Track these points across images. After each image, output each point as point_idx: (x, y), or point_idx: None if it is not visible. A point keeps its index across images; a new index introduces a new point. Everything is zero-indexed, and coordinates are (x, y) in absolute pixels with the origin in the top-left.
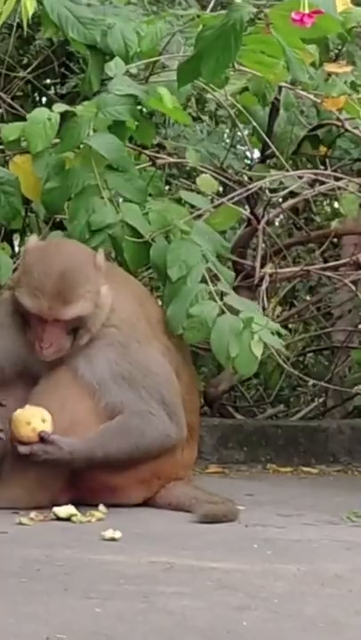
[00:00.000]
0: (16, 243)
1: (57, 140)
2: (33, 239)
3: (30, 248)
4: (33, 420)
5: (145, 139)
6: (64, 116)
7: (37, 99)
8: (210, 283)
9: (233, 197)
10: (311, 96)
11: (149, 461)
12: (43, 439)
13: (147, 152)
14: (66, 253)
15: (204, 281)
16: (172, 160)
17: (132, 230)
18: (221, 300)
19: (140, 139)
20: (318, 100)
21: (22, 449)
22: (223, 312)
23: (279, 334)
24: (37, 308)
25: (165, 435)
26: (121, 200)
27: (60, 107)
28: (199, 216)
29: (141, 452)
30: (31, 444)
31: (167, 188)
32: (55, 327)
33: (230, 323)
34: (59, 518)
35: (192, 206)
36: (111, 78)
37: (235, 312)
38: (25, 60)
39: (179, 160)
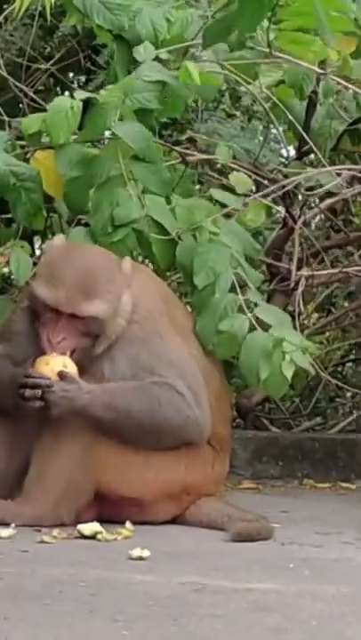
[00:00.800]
0: (36, 245)
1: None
2: (60, 238)
3: (56, 245)
4: (52, 361)
5: (174, 111)
6: (87, 106)
7: (60, 93)
8: (239, 292)
9: (266, 195)
10: (352, 86)
11: (174, 473)
12: (62, 376)
13: (177, 148)
14: (92, 254)
15: (233, 288)
16: (202, 157)
17: (158, 226)
18: (252, 311)
19: (169, 112)
20: (360, 91)
21: (40, 381)
22: (254, 327)
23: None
24: (54, 299)
25: (185, 415)
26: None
27: (81, 94)
28: (229, 215)
29: (157, 423)
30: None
31: (198, 186)
32: (70, 324)
33: (260, 342)
34: (83, 536)
35: (224, 205)
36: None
37: (266, 326)
38: (48, 52)
39: (210, 157)
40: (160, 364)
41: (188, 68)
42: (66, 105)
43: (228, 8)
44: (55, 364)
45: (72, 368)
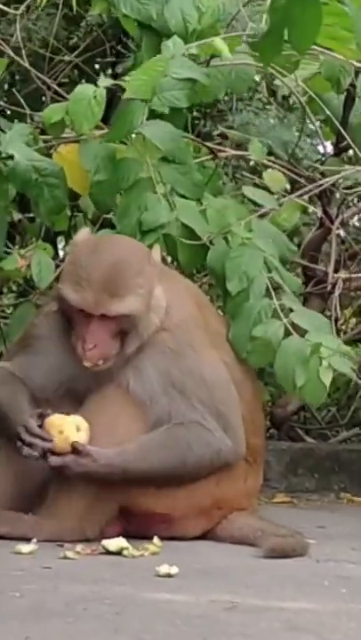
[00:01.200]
0: (60, 246)
1: (106, 130)
2: (84, 232)
3: (80, 240)
4: (66, 428)
5: (209, 96)
6: (112, 98)
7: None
8: (274, 296)
9: (302, 194)
10: None
11: (205, 487)
12: (76, 450)
13: (208, 144)
14: (119, 246)
15: (267, 293)
16: (235, 153)
17: (188, 230)
18: (287, 316)
19: (204, 97)
20: None
21: (53, 460)
22: (289, 332)
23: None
24: (82, 302)
25: (217, 449)
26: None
27: (105, 81)
28: (263, 215)
29: (189, 468)
30: (63, 454)
31: (230, 184)
32: (101, 327)
33: (296, 347)
34: (108, 552)
35: (257, 204)
36: None
37: (302, 331)
38: (72, 43)
39: (242, 153)
40: (192, 382)
41: (216, 45)
42: (89, 93)
43: (273, 16)
44: (70, 432)
45: (84, 428)
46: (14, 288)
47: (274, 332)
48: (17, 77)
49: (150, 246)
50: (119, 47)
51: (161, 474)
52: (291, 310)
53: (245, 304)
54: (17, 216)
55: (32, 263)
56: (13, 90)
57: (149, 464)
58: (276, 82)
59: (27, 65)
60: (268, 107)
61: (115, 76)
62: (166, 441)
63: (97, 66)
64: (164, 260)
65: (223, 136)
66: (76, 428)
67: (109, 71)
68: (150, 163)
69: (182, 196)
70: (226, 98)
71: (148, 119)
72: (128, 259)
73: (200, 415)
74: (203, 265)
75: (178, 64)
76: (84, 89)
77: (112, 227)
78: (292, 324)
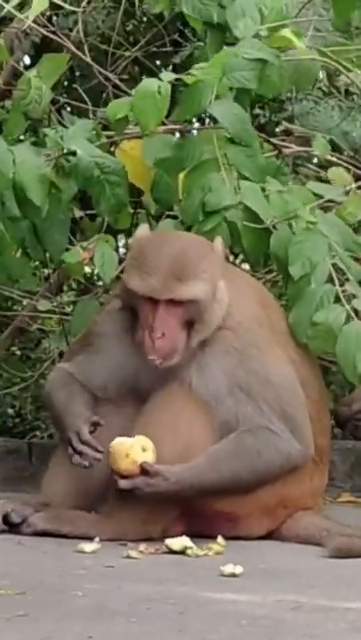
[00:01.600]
0: (120, 243)
1: (169, 127)
2: (143, 228)
3: (141, 235)
4: (132, 451)
5: (269, 90)
6: (174, 93)
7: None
8: (337, 282)
9: None
10: None
11: (271, 486)
12: (145, 471)
13: (273, 140)
14: (181, 236)
15: (330, 280)
16: (299, 149)
17: (252, 214)
18: (349, 303)
19: (264, 91)
20: None
21: (123, 483)
22: (351, 319)
23: None
24: (148, 288)
25: (287, 454)
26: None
27: (168, 75)
28: (327, 209)
29: (260, 475)
30: (133, 476)
31: (293, 176)
32: (168, 315)
33: (357, 333)
34: (172, 551)
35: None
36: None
37: None
38: (132, 38)
39: (306, 149)
40: (258, 383)
41: (286, 35)
42: (153, 87)
43: None
44: (136, 455)
45: (150, 447)
46: (74, 286)
47: (335, 317)
48: (77, 73)
49: (211, 232)
50: (177, 37)
51: (231, 484)
52: (353, 296)
53: (307, 289)
54: (78, 213)
55: (95, 256)
56: (73, 86)
57: (219, 476)
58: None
59: (89, 60)
60: (328, 95)
61: (174, 68)
62: (236, 450)
63: (158, 61)
64: (226, 256)
65: (287, 133)
66: (141, 448)
67: (170, 66)
68: (216, 144)
69: (246, 179)
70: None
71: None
72: (192, 246)
73: (267, 418)
74: (264, 255)
75: (248, 44)
76: (148, 84)
77: (175, 219)
78: (355, 311)
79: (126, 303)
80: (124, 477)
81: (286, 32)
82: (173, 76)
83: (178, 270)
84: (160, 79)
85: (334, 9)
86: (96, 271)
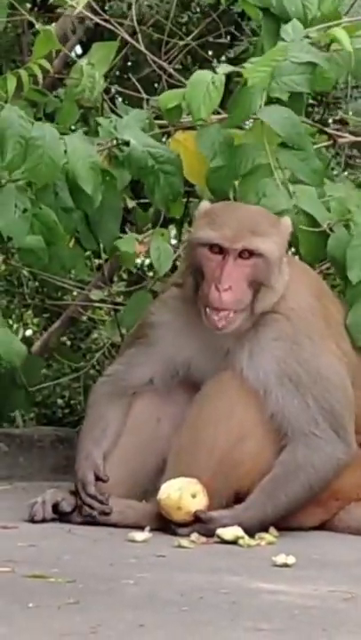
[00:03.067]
0: (172, 234)
1: (224, 115)
2: (205, 203)
3: (205, 207)
4: (182, 502)
5: (325, 85)
6: (229, 82)
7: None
8: None
9: None
10: None
11: None
12: (200, 520)
13: (328, 129)
14: (250, 206)
15: None
16: (354, 139)
17: (308, 218)
18: None
19: (321, 86)
20: None
21: (182, 532)
22: None
23: None
24: (220, 236)
25: (336, 459)
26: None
27: (224, 67)
28: None
29: (316, 488)
30: (189, 524)
31: (347, 172)
32: (237, 269)
33: None
34: (224, 541)
35: None
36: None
37: None
38: (185, 27)
39: None
40: (307, 375)
41: (337, 35)
42: (207, 78)
43: None
44: (187, 505)
45: (199, 490)
46: (125, 276)
47: None
48: (128, 63)
49: None
50: (233, 29)
51: (291, 507)
52: None
53: None
54: (130, 203)
55: (151, 249)
56: (125, 75)
57: (276, 505)
58: None
59: (142, 48)
60: None
61: (229, 61)
62: (289, 473)
63: (210, 52)
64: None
65: (341, 122)
66: (191, 495)
67: (223, 57)
68: (269, 149)
69: (301, 183)
70: (341, 85)
71: (266, 104)
72: (264, 212)
73: (312, 417)
74: (323, 255)
75: (297, 48)
76: (202, 75)
77: None
78: None
79: (192, 263)
80: (180, 525)
81: (337, 31)
82: (229, 68)
83: (252, 224)
84: (215, 72)
85: None
86: (149, 262)
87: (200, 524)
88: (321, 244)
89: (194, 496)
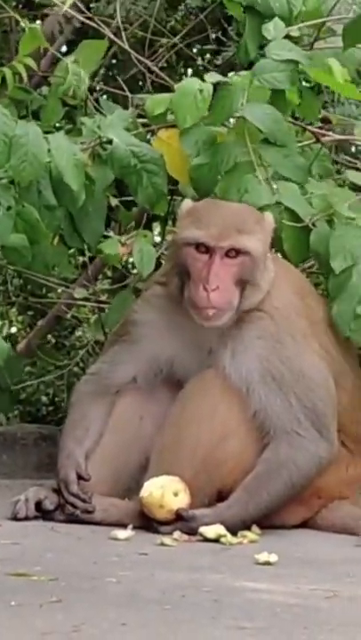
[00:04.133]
0: (155, 232)
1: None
2: (188, 201)
3: (190, 203)
4: (164, 500)
5: (309, 114)
6: (216, 88)
7: (184, 71)
8: None
9: None
10: None
11: None
12: (181, 518)
13: (311, 128)
14: (233, 204)
15: None
16: (339, 137)
17: (291, 214)
18: None
19: (304, 114)
20: None
21: (164, 529)
22: None
23: None
24: (206, 235)
25: (319, 457)
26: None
27: (213, 76)
28: None
29: (298, 486)
30: (171, 522)
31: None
32: (224, 268)
33: None
34: (206, 539)
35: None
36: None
37: None
38: (171, 26)
39: (347, 137)
40: (290, 374)
41: (328, 63)
42: (194, 87)
43: None
44: (169, 503)
45: (182, 488)
46: (109, 274)
47: None
48: (114, 61)
49: None
50: (219, 34)
51: (274, 504)
52: None
53: (349, 283)
54: (114, 202)
55: (134, 251)
56: (111, 74)
57: (259, 504)
58: None
59: (127, 47)
60: None
61: (214, 58)
62: (271, 471)
63: (195, 50)
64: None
65: (326, 122)
66: (173, 494)
67: (208, 56)
68: (251, 146)
69: (285, 179)
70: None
71: (248, 101)
72: (248, 209)
73: (295, 416)
74: (306, 252)
75: (279, 46)
76: (189, 84)
77: None
78: None
79: (178, 263)
80: (162, 523)
81: (331, 61)
82: (218, 77)
83: (238, 221)
84: (203, 80)
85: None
86: (134, 267)
87: (182, 522)
88: (304, 240)
89: (176, 494)
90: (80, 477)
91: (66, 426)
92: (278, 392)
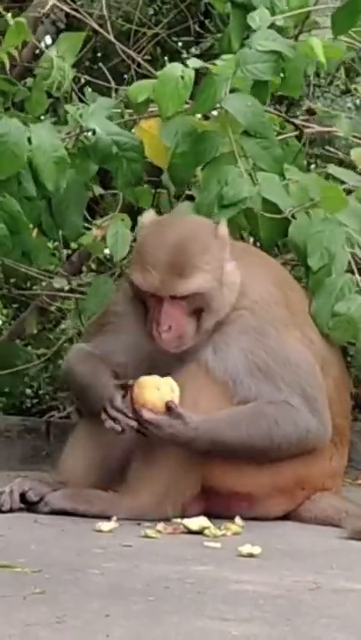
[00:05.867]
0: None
1: (187, 106)
2: (149, 214)
3: (145, 223)
4: (163, 387)
5: (292, 91)
6: (198, 76)
7: (168, 62)
8: (356, 272)
9: None
10: None
11: (289, 467)
12: (170, 409)
13: (295, 120)
14: (182, 226)
15: (350, 269)
16: (321, 129)
17: (270, 205)
18: None
19: (287, 91)
20: None
21: (147, 415)
22: None
23: None
24: (149, 285)
25: (305, 430)
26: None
27: (194, 62)
28: (348, 193)
29: (275, 445)
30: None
31: (313, 165)
32: (173, 308)
33: None
34: (190, 531)
35: (342, 182)
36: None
37: None
38: (154, 18)
39: (329, 129)
40: (276, 364)
41: (311, 43)
42: (176, 73)
43: None
44: (165, 391)
45: (177, 392)
46: (93, 267)
47: (356, 308)
48: (98, 54)
49: (229, 221)
50: (196, 27)
51: (247, 448)
52: None
53: (327, 280)
54: (98, 191)
55: (108, 234)
56: (95, 66)
57: (236, 435)
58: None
59: (111, 38)
60: (347, 93)
61: (196, 57)
62: (254, 415)
63: (180, 43)
64: (242, 237)
65: (310, 113)
66: (170, 389)
67: (192, 49)
68: (232, 136)
69: (264, 171)
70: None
71: (231, 92)
72: (192, 237)
73: (288, 396)
74: (285, 242)
75: (263, 36)
76: (171, 70)
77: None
78: None
79: (134, 295)
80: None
81: (313, 41)
82: (199, 63)
83: (178, 266)
84: (186, 65)
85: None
86: (107, 250)
87: (167, 416)
88: (281, 230)
89: (172, 391)
90: (123, 387)
91: (80, 378)
92: (266, 381)
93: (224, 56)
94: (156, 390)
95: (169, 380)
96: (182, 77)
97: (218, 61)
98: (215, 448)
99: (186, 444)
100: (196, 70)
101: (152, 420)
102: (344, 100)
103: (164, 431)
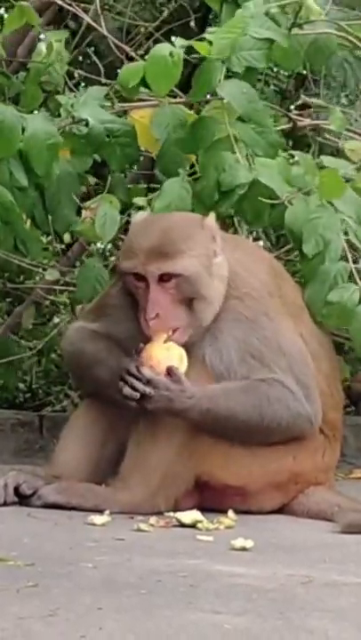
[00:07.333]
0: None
1: (179, 100)
2: (142, 213)
3: (136, 220)
4: (172, 349)
5: (291, 64)
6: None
7: None
8: (350, 260)
9: None
10: None
11: (282, 460)
12: (170, 373)
13: (290, 114)
14: (168, 218)
15: (344, 257)
16: (315, 122)
17: (268, 190)
18: None
19: (286, 64)
20: None
21: (146, 371)
22: None
23: None
24: (133, 266)
25: (296, 412)
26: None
27: (180, 41)
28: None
29: (266, 423)
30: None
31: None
32: (161, 294)
33: None
34: (182, 525)
35: None
36: None
37: None
38: (149, 16)
39: (322, 122)
40: (270, 351)
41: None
42: (165, 52)
43: None
44: (174, 354)
45: (185, 364)
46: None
47: (350, 296)
48: (93, 49)
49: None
50: (192, 25)
51: (237, 422)
52: None
53: (321, 267)
54: (93, 180)
55: (97, 215)
56: (89, 60)
57: (228, 407)
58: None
59: (105, 32)
60: (342, 88)
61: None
62: (248, 390)
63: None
64: (233, 225)
65: (304, 107)
66: (179, 356)
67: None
68: (228, 122)
69: (259, 157)
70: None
71: (226, 78)
72: (178, 225)
73: (282, 375)
74: (281, 236)
75: (258, 23)
76: (160, 49)
77: None
78: None
79: (125, 286)
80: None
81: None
82: (186, 42)
83: (162, 247)
84: (173, 45)
85: None
86: (111, 254)
87: (167, 379)
88: (277, 215)
89: (181, 359)
90: (137, 352)
91: (89, 354)
92: (261, 367)
93: (211, 29)
94: (165, 350)
95: (182, 351)
96: (171, 55)
97: (207, 35)
98: (206, 419)
99: (180, 412)
100: (194, 65)
101: (151, 379)
102: (337, 93)
103: (160, 392)
